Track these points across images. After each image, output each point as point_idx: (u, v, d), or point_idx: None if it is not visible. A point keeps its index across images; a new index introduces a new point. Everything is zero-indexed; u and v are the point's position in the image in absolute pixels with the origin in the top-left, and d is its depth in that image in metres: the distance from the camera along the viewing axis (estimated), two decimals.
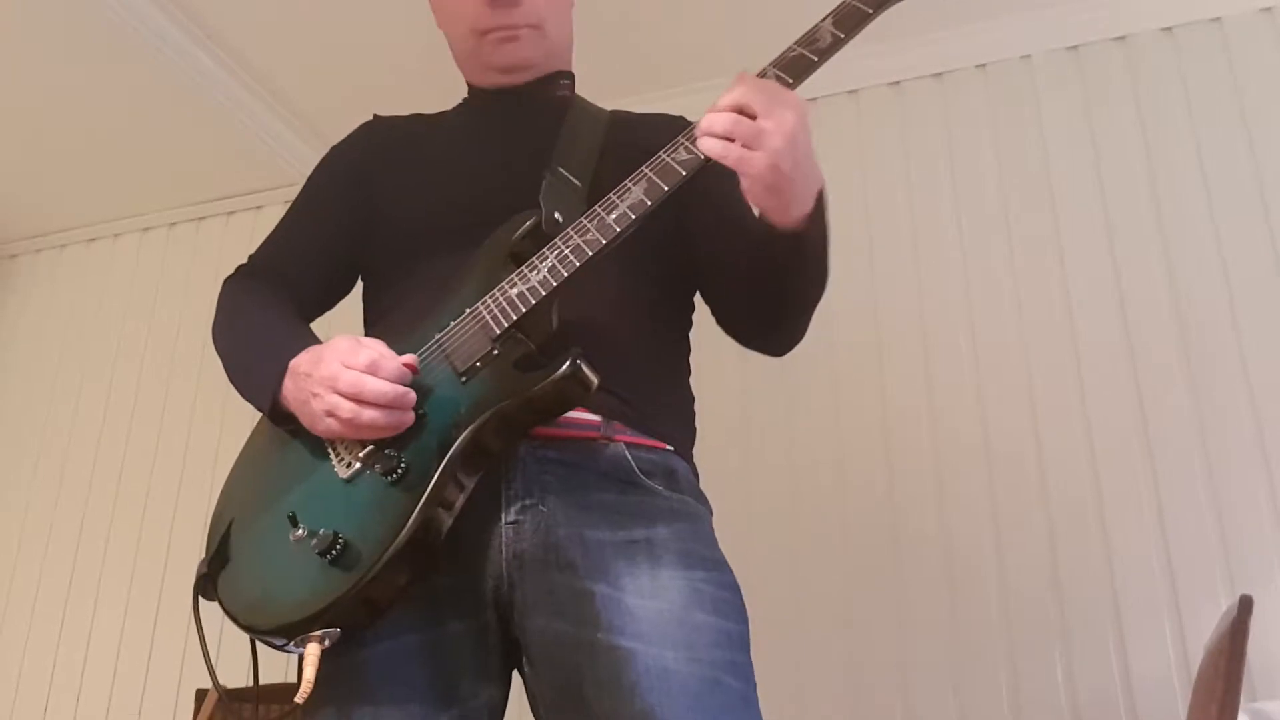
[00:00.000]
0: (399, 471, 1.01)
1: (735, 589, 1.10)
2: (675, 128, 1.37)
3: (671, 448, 1.17)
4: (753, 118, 1.00)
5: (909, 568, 2.32)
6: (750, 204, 1.10)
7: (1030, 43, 2.62)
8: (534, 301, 1.05)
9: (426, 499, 1.00)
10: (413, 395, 1.03)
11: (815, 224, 1.09)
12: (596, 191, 1.17)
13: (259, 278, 1.30)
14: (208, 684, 2.40)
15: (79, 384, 3.29)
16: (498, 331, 1.06)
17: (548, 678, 1.06)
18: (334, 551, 0.99)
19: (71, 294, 3.47)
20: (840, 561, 2.37)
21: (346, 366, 1.03)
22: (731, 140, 1.01)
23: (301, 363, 1.09)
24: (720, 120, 1.01)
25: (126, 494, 3.09)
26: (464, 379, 1.05)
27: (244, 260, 1.35)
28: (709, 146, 1.02)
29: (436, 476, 1.00)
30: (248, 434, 1.22)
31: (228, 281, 1.32)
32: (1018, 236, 2.51)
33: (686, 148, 1.07)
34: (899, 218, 2.61)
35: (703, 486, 1.21)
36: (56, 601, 3.04)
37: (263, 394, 1.12)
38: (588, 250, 1.05)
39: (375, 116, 1.40)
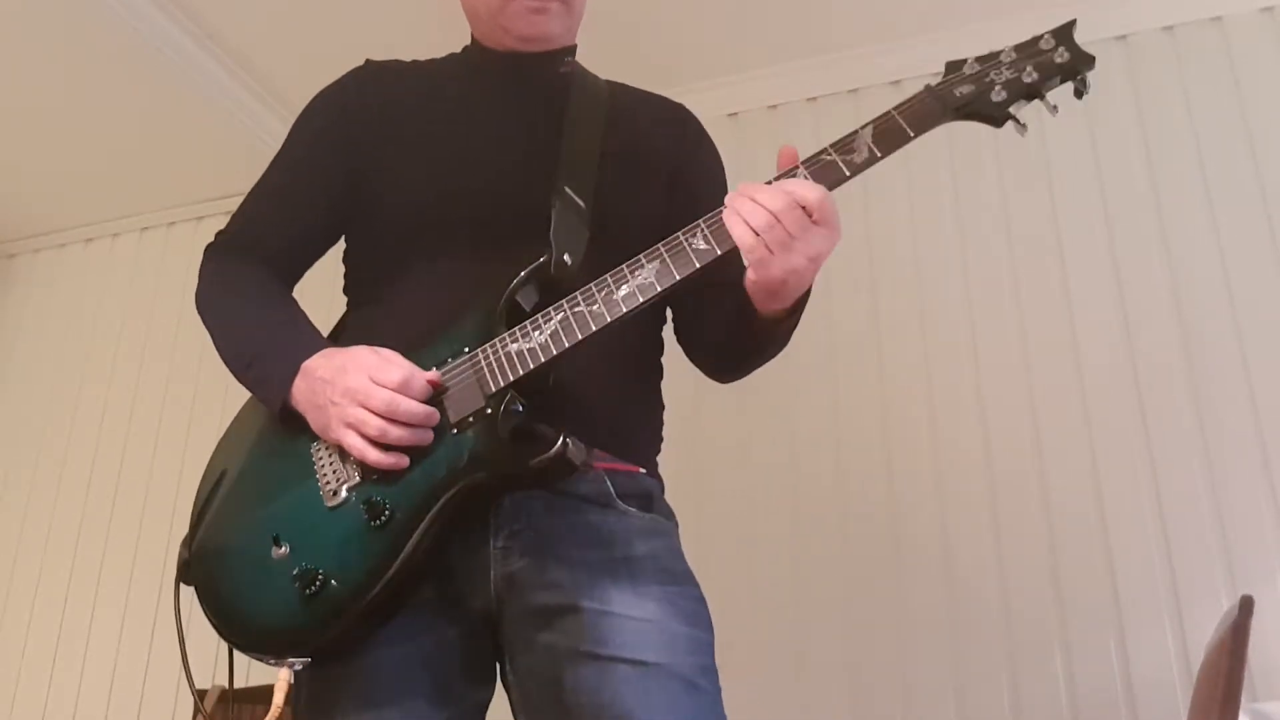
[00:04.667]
0: (384, 517, 1.03)
1: (703, 601, 1.16)
2: (674, 116, 1.39)
3: (645, 470, 1.22)
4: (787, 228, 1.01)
5: (909, 569, 2.32)
6: (747, 290, 1.10)
7: None
8: (533, 365, 1.07)
9: (409, 551, 1.02)
10: (438, 415, 1.06)
11: (795, 313, 1.13)
12: (599, 209, 1.19)
13: (245, 253, 1.27)
14: (207, 684, 2.40)
15: (78, 384, 3.29)
16: (493, 389, 1.07)
17: (533, 685, 1.09)
18: (313, 588, 1.02)
19: (70, 294, 3.46)
20: (841, 562, 2.36)
21: (376, 383, 1.04)
22: (759, 234, 1.01)
23: (319, 367, 1.09)
24: (759, 216, 1.01)
25: (125, 493, 3.09)
26: (455, 430, 1.07)
27: (228, 233, 1.31)
28: (739, 234, 1.02)
29: (422, 528, 1.03)
30: None
31: (211, 251, 1.29)
32: (1018, 236, 2.50)
33: (705, 236, 1.06)
34: (899, 217, 2.61)
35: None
36: (56, 601, 3.04)
37: (271, 391, 1.14)
38: (592, 325, 1.06)
39: (367, 61, 1.34)
